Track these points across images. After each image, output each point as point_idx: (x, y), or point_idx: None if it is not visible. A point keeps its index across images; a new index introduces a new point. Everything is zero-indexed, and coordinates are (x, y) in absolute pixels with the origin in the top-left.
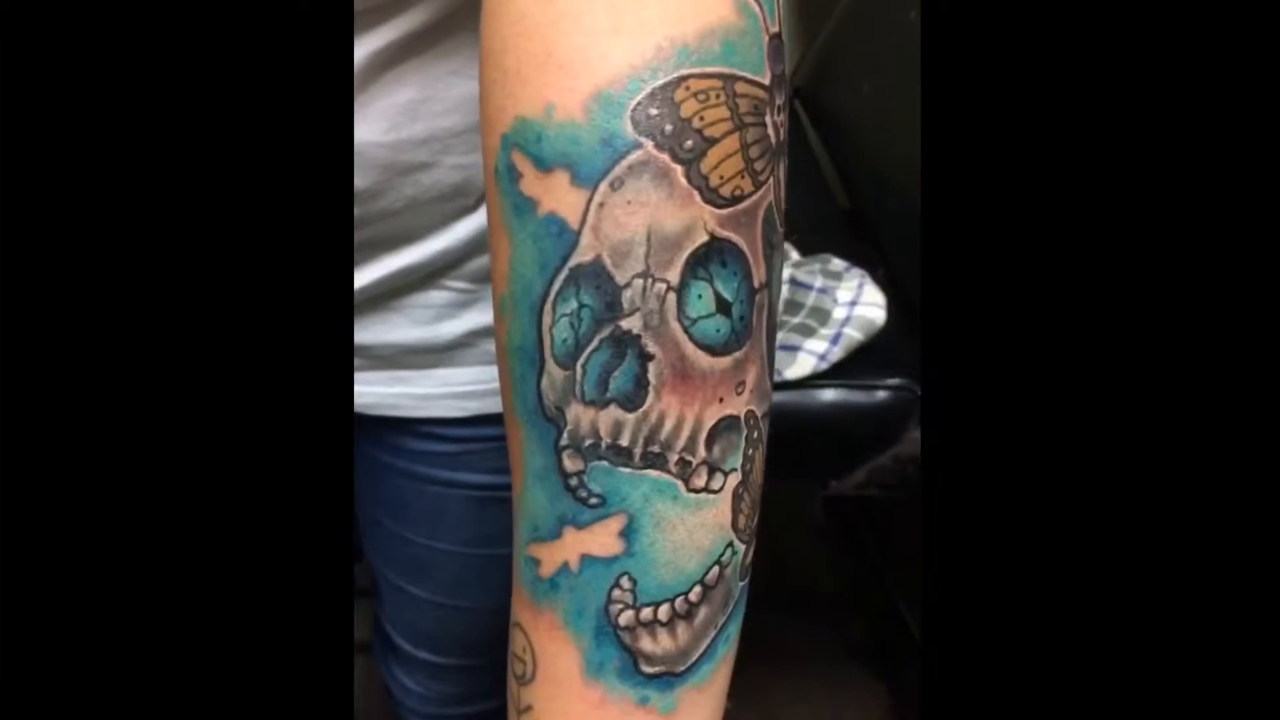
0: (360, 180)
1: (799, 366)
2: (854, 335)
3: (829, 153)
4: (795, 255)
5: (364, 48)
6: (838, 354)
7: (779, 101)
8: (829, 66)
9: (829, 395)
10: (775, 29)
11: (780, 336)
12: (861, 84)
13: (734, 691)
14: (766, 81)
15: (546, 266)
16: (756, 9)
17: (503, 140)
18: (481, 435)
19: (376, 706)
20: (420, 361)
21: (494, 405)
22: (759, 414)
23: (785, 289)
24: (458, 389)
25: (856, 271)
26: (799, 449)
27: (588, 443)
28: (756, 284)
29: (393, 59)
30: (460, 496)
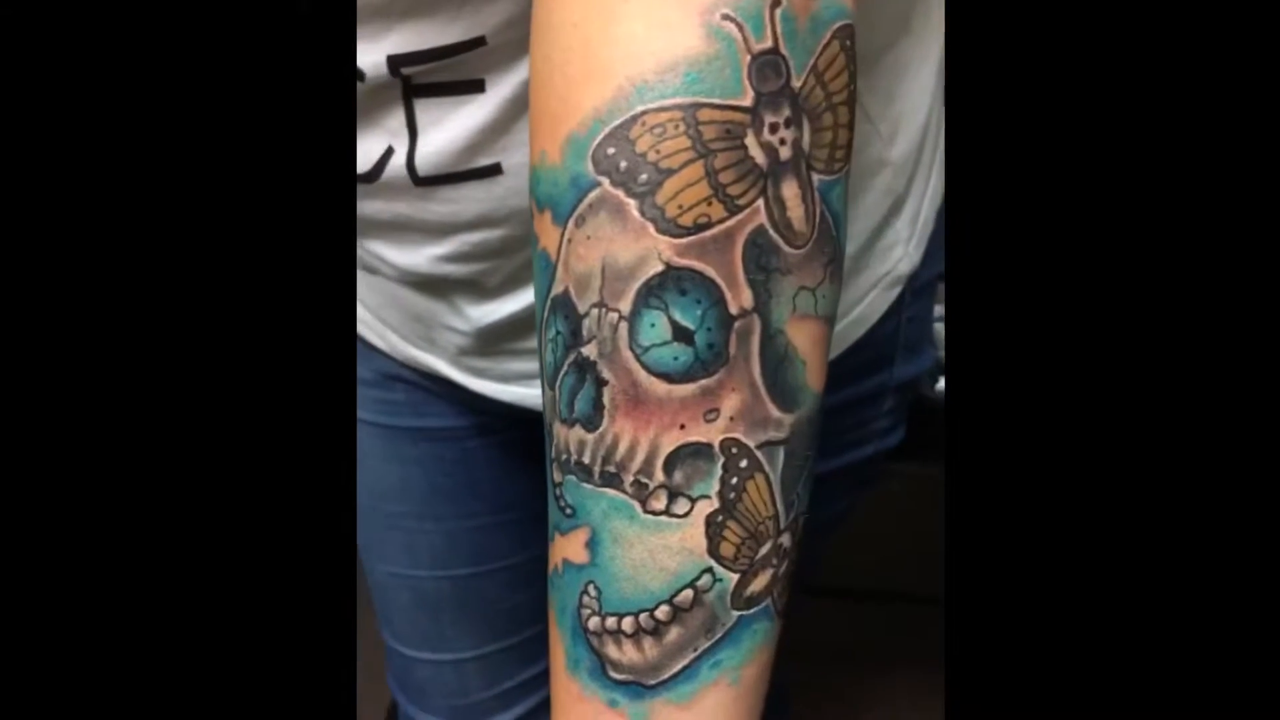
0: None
1: None
2: None
3: None
4: None
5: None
6: None
7: (773, 119)
8: None
9: None
10: (764, 45)
11: None
12: None
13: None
14: (746, 102)
15: (540, 296)
16: (734, 30)
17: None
18: None
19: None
20: None
21: None
22: (752, 443)
23: None
24: None
25: None
26: None
27: (564, 457)
28: (734, 310)
29: None
30: None
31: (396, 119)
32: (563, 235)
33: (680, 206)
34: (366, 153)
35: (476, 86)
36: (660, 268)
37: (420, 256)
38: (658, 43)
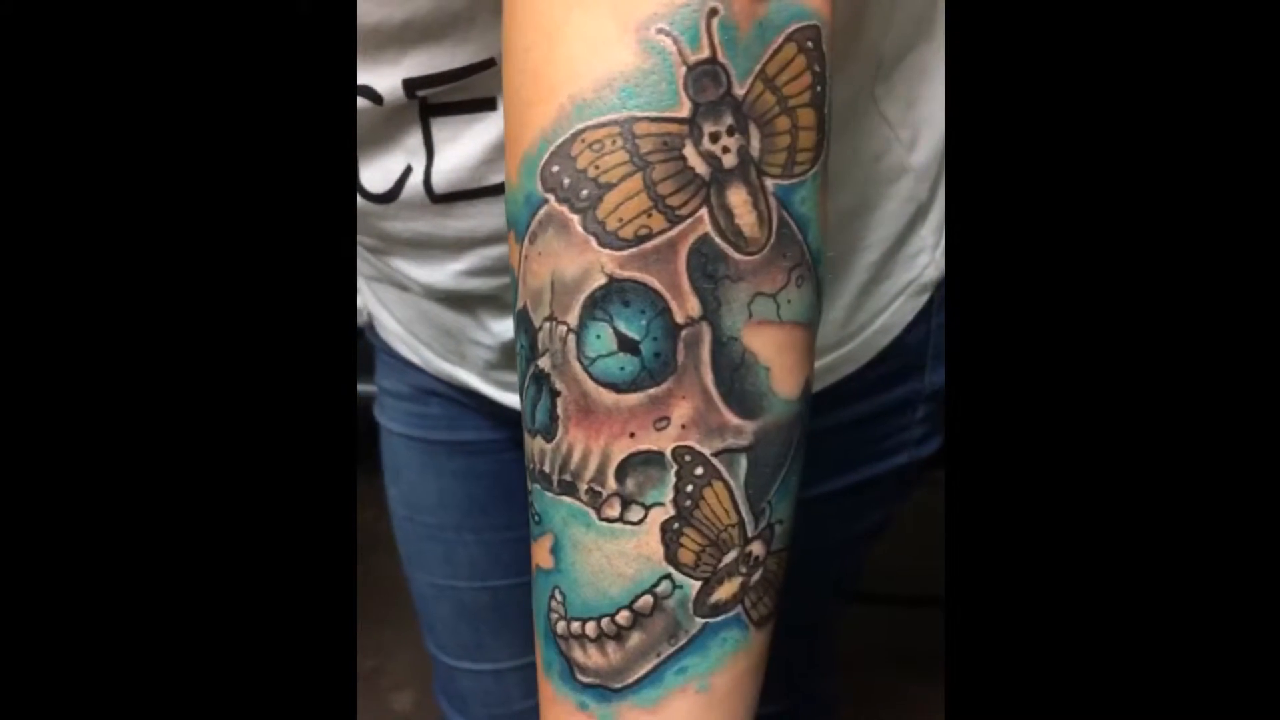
0: None
1: None
2: None
3: None
4: None
5: None
6: None
7: (713, 128)
8: None
9: None
10: (701, 56)
11: None
12: None
13: None
14: (682, 114)
15: (511, 311)
16: (668, 43)
17: None
18: None
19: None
20: None
21: None
22: (707, 451)
23: None
24: None
25: None
26: None
27: (531, 466)
28: (680, 319)
29: None
30: None
31: (414, 138)
32: (520, 252)
33: (620, 219)
34: (386, 173)
35: (489, 105)
36: (603, 280)
37: (443, 273)
38: (596, 61)
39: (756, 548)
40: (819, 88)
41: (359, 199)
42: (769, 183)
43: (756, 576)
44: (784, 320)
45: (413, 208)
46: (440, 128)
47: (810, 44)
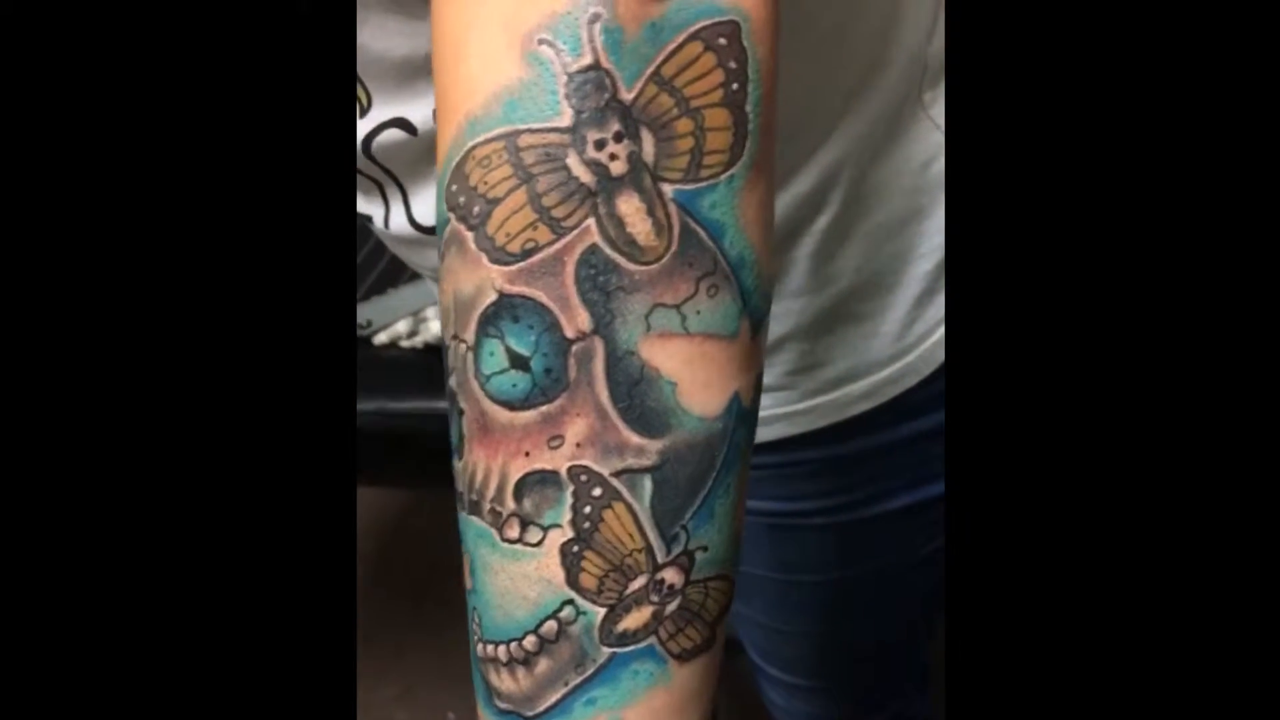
0: None
1: None
2: None
3: None
4: None
5: None
6: None
7: (598, 135)
8: None
9: None
10: (583, 63)
11: None
12: None
13: None
14: (564, 123)
15: None
16: (549, 53)
17: None
18: (756, 463)
19: None
20: None
21: (763, 434)
22: (605, 471)
23: None
24: None
25: None
26: None
27: (455, 486)
28: (571, 334)
29: None
30: (753, 522)
31: None
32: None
33: (507, 234)
34: (432, 205)
35: None
36: (494, 297)
37: None
38: (486, 77)
39: (670, 575)
40: (736, 85)
41: (413, 230)
42: (667, 188)
43: (673, 606)
44: (693, 332)
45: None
46: None
47: (723, 40)
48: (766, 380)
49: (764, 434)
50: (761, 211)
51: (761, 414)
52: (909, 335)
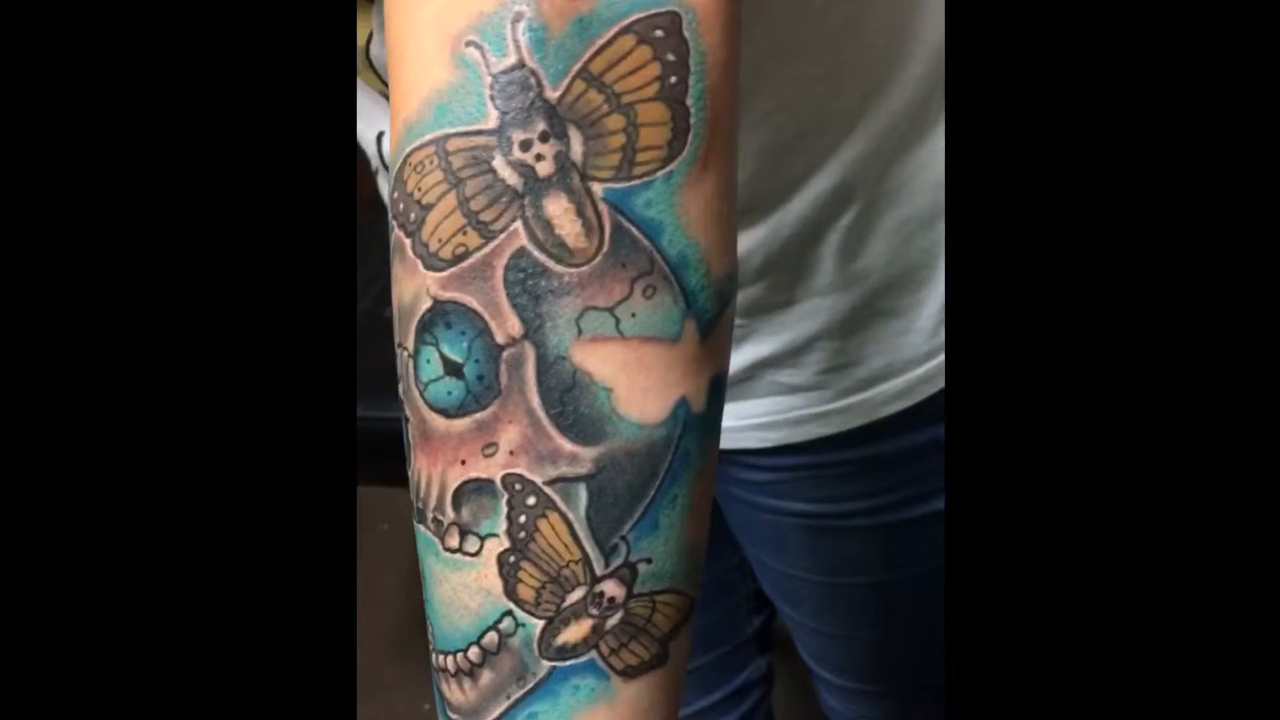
0: None
1: None
2: None
3: None
4: None
5: None
6: None
7: (524, 136)
8: None
9: None
10: (507, 62)
11: None
12: None
13: None
14: (489, 125)
15: None
16: (475, 55)
17: None
18: (792, 464)
19: None
20: None
21: (796, 435)
22: (538, 479)
23: None
24: (756, 420)
25: None
26: None
27: None
28: (501, 340)
29: None
30: (793, 524)
31: None
32: None
33: (440, 240)
34: None
35: None
36: (429, 303)
37: None
38: (420, 82)
39: (610, 588)
40: (675, 78)
41: None
42: (598, 188)
43: (614, 620)
44: (628, 335)
45: None
46: None
47: (660, 33)
48: (798, 380)
49: (796, 435)
50: (709, 208)
51: (793, 415)
52: (941, 333)
